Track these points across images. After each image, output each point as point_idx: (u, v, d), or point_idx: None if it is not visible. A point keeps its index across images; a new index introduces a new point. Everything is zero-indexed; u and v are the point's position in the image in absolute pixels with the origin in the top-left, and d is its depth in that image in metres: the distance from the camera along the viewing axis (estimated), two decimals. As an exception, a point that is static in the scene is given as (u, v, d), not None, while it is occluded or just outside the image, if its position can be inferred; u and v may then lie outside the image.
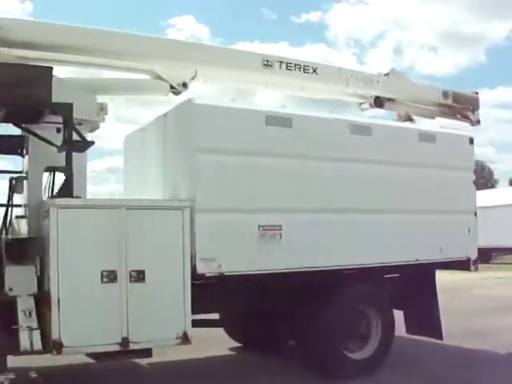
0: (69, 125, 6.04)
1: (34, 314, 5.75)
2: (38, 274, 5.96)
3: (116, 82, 7.52)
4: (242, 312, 7.84)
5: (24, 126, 6.58)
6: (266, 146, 6.82)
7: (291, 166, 6.96)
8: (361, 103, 9.21)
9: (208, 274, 6.35)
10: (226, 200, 6.52)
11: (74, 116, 6.80)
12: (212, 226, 6.41)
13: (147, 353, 6.17)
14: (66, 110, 5.99)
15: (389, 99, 9.05)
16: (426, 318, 8.13)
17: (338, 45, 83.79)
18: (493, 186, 50.86)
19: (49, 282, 5.72)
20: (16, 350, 5.62)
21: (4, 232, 6.63)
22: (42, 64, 6.77)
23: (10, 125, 6.84)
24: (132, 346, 5.96)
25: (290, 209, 6.89)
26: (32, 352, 5.64)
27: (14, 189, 6.70)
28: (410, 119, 9.35)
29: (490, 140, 79.22)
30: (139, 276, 6.01)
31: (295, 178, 6.97)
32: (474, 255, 8.44)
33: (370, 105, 9.03)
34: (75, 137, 6.20)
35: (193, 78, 7.63)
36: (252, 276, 6.60)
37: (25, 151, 6.92)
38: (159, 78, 7.45)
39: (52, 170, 6.66)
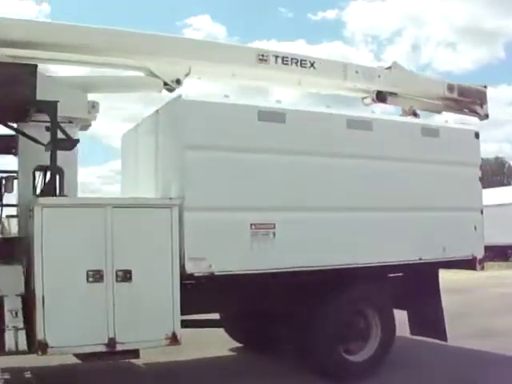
0: (53, 123, 5.94)
1: (20, 313, 5.68)
2: (26, 274, 5.90)
3: (107, 79, 7.45)
4: (237, 313, 7.70)
5: (11, 124, 6.51)
6: (259, 141, 6.65)
7: (285, 162, 6.78)
8: (363, 98, 9.00)
9: (197, 274, 6.22)
10: (217, 198, 6.37)
11: (65, 114, 6.80)
12: (202, 224, 6.26)
13: (135, 354, 6.07)
14: (50, 107, 5.90)
15: (391, 93, 8.81)
16: (429, 319, 7.88)
17: (355, 42, 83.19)
18: (509, 184, 49.84)
19: (34, 282, 5.65)
20: (1, 350, 5.56)
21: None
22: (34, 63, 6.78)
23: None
24: (119, 347, 5.86)
25: (283, 207, 6.72)
26: (17, 352, 5.58)
27: (3, 188, 6.64)
28: (414, 114, 9.09)
29: (508, 136, 77.82)
30: (126, 276, 5.90)
31: (289, 174, 6.79)
32: (480, 254, 8.15)
33: (373, 99, 8.81)
34: (64, 135, 6.12)
35: (187, 75, 7.53)
36: (244, 276, 6.44)
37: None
38: (152, 74, 7.37)
39: (41, 169, 6.60)
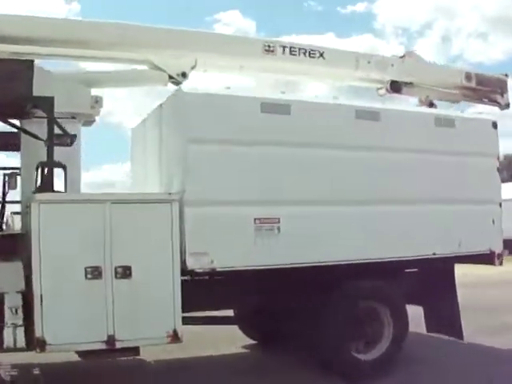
0: (50, 118, 5.87)
1: (20, 311, 5.65)
2: (26, 271, 5.86)
3: (111, 74, 7.38)
4: (242, 309, 7.56)
5: (11, 121, 6.47)
6: (262, 134, 6.47)
7: (290, 154, 6.60)
8: (378, 89, 8.73)
9: (198, 270, 6.10)
10: (219, 192, 6.22)
11: (68, 110, 6.79)
12: (203, 219, 6.13)
13: (135, 351, 5.97)
14: (46, 103, 5.83)
15: (407, 83, 8.52)
16: (444, 316, 7.60)
17: (385, 35, 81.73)
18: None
19: (32, 279, 5.60)
20: (0, 348, 5.55)
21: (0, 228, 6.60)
22: (35, 58, 6.75)
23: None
24: (119, 345, 5.78)
25: (289, 201, 6.54)
26: (15, 349, 5.56)
27: (7, 185, 6.63)
28: (431, 104, 8.78)
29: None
30: (125, 272, 5.80)
31: (295, 167, 6.61)
32: (498, 248, 7.82)
33: (387, 90, 8.53)
34: (61, 131, 6.06)
35: (193, 68, 7.40)
36: (247, 272, 6.28)
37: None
38: (157, 68, 7.26)
39: (44, 165, 6.56)
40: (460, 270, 7.93)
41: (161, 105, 6.94)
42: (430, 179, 7.33)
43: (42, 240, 5.58)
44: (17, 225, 6.72)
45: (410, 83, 8.53)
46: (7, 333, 5.51)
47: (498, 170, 7.99)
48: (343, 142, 6.89)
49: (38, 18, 6.88)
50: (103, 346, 5.74)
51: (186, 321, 6.62)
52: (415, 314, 7.76)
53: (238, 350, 8.62)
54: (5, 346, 5.49)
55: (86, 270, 5.69)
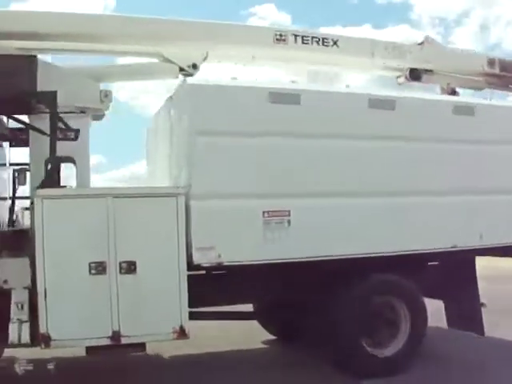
0: (53, 113, 5.84)
1: (26, 306, 5.66)
2: (32, 267, 5.84)
3: (120, 67, 7.33)
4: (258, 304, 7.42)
5: (17, 116, 6.47)
6: (271, 125, 6.29)
7: (300, 145, 6.40)
8: (397, 77, 8.45)
9: (205, 264, 5.98)
10: (226, 185, 6.08)
11: (77, 104, 6.78)
12: (210, 212, 6.01)
13: (141, 347, 5.91)
14: (48, 98, 5.79)
15: (427, 71, 8.22)
16: (465, 310, 7.28)
17: (422, 25, 79.85)
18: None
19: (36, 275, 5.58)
20: (5, 343, 5.55)
21: (11, 224, 6.62)
22: (43, 54, 6.75)
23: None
24: (124, 341, 5.72)
25: (299, 193, 6.34)
26: (20, 345, 5.56)
27: (17, 181, 6.63)
28: (453, 92, 8.46)
29: None
30: (130, 267, 5.73)
31: (305, 159, 6.41)
32: (523, 240, 7.46)
33: (406, 78, 8.26)
34: (64, 126, 6.02)
35: (205, 59, 7.29)
36: (256, 266, 6.13)
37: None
38: (167, 60, 7.17)
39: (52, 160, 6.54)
40: (480, 262, 7.60)
41: (171, 97, 6.84)
42: (449, 169, 7.03)
43: (46, 235, 5.56)
44: (26, 221, 6.72)
45: (430, 71, 8.24)
46: (12, 328, 5.51)
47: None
48: (356, 132, 6.64)
49: (46, 13, 6.86)
50: (108, 342, 5.69)
51: (204, 316, 6.69)
52: (437, 309, 7.53)
53: (258, 345, 8.48)
54: (9, 341, 5.48)
55: (90, 266, 5.64)
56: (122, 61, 7.59)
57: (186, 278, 5.88)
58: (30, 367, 6.86)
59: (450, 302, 7.48)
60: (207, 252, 5.94)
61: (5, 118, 6.90)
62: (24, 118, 6.65)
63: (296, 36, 7.36)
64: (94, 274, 5.65)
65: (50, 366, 6.93)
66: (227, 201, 6.06)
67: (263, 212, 6.17)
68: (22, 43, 6.57)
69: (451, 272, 7.31)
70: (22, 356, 6.56)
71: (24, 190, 6.95)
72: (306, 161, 6.42)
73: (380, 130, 6.76)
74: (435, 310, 7.46)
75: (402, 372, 6.63)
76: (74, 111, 6.73)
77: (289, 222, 6.26)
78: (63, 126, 6.08)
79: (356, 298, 6.53)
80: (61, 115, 6.53)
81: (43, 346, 5.55)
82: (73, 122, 6.66)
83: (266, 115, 6.28)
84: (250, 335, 8.46)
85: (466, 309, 7.27)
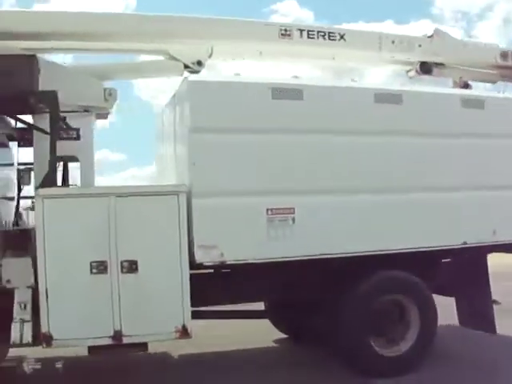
0: (53, 113, 5.82)
1: (29, 306, 5.65)
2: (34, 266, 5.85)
3: (124, 65, 7.30)
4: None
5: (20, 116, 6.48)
6: (274, 121, 6.19)
7: (304, 142, 6.29)
8: (408, 71, 8.29)
9: (207, 263, 5.91)
10: (228, 182, 6.00)
11: (80, 103, 6.78)
12: (212, 210, 5.94)
13: (143, 347, 5.87)
14: (48, 97, 5.78)
15: (438, 64, 8.04)
16: (476, 308, 7.10)
17: (444, 19, 78.73)
18: None
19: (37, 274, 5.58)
20: (8, 342, 5.55)
21: (15, 223, 6.64)
22: (49, 53, 6.76)
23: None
24: (126, 340, 5.70)
25: (304, 190, 6.23)
26: (21, 344, 5.55)
27: (21, 181, 6.65)
28: (466, 85, 8.25)
29: None
30: (131, 266, 5.70)
31: (309, 155, 6.30)
32: (537, 236, 7.24)
33: (416, 71, 8.08)
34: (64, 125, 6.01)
35: (210, 55, 7.22)
36: (259, 265, 6.04)
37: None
38: (172, 57, 7.12)
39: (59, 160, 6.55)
40: (490, 259, 7.41)
41: (174, 95, 6.79)
42: (459, 164, 6.88)
43: (47, 235, 5.56)
44: (31, 220, 6.74)
45: (441, 64, 8.04)
46: (14, 328, 5.50)
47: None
48: (362, 127, 6.51)
49: (50, 12, 6.87)
50: (110, 342, 5.67)
51: (214, 315, 6.72)
52: (449, 306, 7.38)
53: (265, 344, 8.37)
54: (11, 340, 5.48)
55: (91, 265, 5.62)
56: (127, 59, 7.54)
57: (188, 277, 5.83)
58: (38, 366, 7.03)
59: (461, 300, 7.31)
60: (210, 250, 5.87)
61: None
62: (28, 117, 6.66)
63: (301, 31, 7.23)
64: (95, 274, 5.63)
65: (58, 365, 7.11)
66: (230, 198, 5.98)
67: (267, 209, 6.09)
68: (29, 43, 6.57)
69: (462, 269, 7.16)
70: (30, 355, 6.70)
71: (29, 189, 6.98)
72: (311, 157, 6.31)
73: (387, 125, 6.62)
74: (447, 308, 7.30)
75: (412, 372, 6.48)
76: (77, 110, 6.73)
77: (293, 219, 6.17)
78: (63, 126, 6.02)
79: (362, 296, 6.42)
80: (64, 114, 6.58)
81: (45, 345, 5.54)
82: (77, 121, 6.68)
83: (268, 111, 6.19)
84: (257, 334, 8.35)
85: (478, 306, 7.09)
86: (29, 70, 5.75)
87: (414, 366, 6.57)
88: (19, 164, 7.33)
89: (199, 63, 7.12)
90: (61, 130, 6.00)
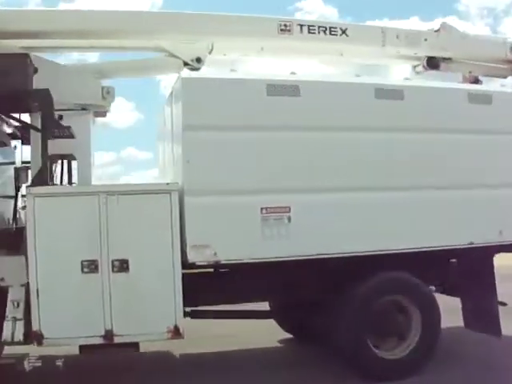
0: (44, 111, 5.80)
1: (22, 304, 5.65)
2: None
3: (122, 63, 7.25)
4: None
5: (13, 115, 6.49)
6: (269, 118, 6.07)
7: (300, 139, 6.15)
8: (415, 66, 8.07)
9: (200, 263, 5.83)
10: (221, 181, 5.91)
11: (78, 101, 6.76)
12: (205, 209, 5.85)
13: (134, 347, 5.83)
14: (40, 95, 5.76)
15: (445, 59, 7.81)
16: (481, 310, 6.86)
17: (470, 16, 77.31)
18: None
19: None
20: None
21: (13, 222, 6.65)
22: (46, 52, 6.76)
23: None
24: (117, 340, 5.66)
25: (300, 188, 6.11)
26: (12, 343, 5.54)
27: (18, 179, 6.66)
28: (476, 80, 8.00)
29: None
30: (122, 266, 5.65)
31: (306, 152, 6.16)
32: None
33: (424, 67, 7.86)
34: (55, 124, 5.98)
35: (210, 52, 7.13)
36: (254, 264, 5.93)
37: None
38: (171, 54, 7.05)
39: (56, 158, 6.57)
40: (497, 260, 7.17)
41: (171, 92, 6.72)
42: (465, 162, 6.67)
43: (38, 233, 5.55)
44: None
45: (449, 59, 7.81)
46: (6, 326, 5.52)
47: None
48: (361, 124, 6.35)
49: (49, 11, 6.87)
50: (101, 341, 5.64)
51: (218, 315, 6.64)
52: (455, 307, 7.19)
53: (271, 344, 8.27)
54: (3, 339, 5.49)
55: (82, 264, 5.60)
56: (125, 56, 7.49)
57: (180, 276, 5.75)
58: (38, 364, 7.04)
59: (466, 302, 7.07)
60: (202, 250, 5.79)
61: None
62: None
63: (301, 26, 7.08)
64: (86, 273, 5.60)
65: (58, 363, 7.11)
66: (223, 197, 5.89)
67: (261, 208, 5.97)
68: (28, 42, 6.58)
69: (468, 270, 6.92)
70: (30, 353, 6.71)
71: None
72: (308, 155, 6.18)
73: (388, 122, 6.46)
74: (452, 309, 7.10)
75: (414, 375, 6.31)
76: (74, 108, 6.71)
77: (289, 218, 6.04)
78: (57, 124, 6.01)
79: (360, 297, 6.26)
80: (61, 112, 6.58)
81: (36, 344, 5.54)
82: (73, 119, 6.67)
83: (263, 108, 6.07)
84: (259, 334, 8.24)
85: (483, 308, 6.84)
86: (22, 68, 5.73)
87: (416, 369, 6.38)
88: (23, 162, 7.37)
89: (198, 60, 7.02)
90: (54, 128, 5.95)
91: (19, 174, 6.66)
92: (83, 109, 6.80)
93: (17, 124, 7.08)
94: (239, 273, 6.18)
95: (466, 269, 6.96)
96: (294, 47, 7.34)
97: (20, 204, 6.80)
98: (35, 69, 6.25)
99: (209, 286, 6.22)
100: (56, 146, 6.46)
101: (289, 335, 8.42)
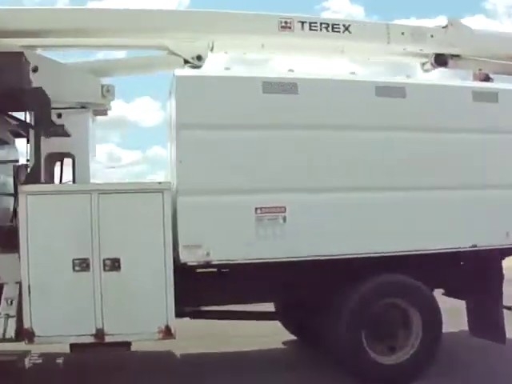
0: (36, 110, 5.81)
1: (15, 301, 5.67)
2: None
3: (122, 61, 7.26)
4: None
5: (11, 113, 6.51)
6: (264, 116, 5.98)
7: (298, 137, 6.04)
8: (423, 64, 7.88)
9: (192, 263, 5.77)
10: (215, 180, 5.84)
11: (77, 100, 6.77)
12: (198, 209, 5.79)
13: (126, 346, 5.80)
14: (34, 94, 5.76)
15: (454, 56, 7.61)
16: (486, 316, 6.65)
17: (497, 15, 75.74)
18: None
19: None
20: None
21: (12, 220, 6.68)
22: (47, 50, 6.78)
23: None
24: (108, 339, 5.64)
25: (296, 188, 6.00)
26: (4, 340, 5.56)
27: (17, 177, 6.69)
28: (487, 78, 7.77)
29: None
30: (114, 264, 5.63)
31: (303, 151, 6.05)
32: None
33: (432, 64, 7.68)
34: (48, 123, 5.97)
35: (211, 50, 7.09)
36: (248, 265, 5.86)
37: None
38: (171, 52, 7.02)
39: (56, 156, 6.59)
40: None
41: (170, 91, 6.68)
42: (469, 161, 6.48)
43: (30, 231, 5.55)
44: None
45: (458, 55, 7.61)
46: None
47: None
48: (361, 122, 6.21)
49: (48, 9, 6.91)
50: (92, 340, 5.62)
51: (222, 315, 6.65)
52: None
53: (276, 345, 8.19)
54: None
55: (73, 262, 5.59)
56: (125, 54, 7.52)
57: (172, 276, 5.70)
58: (39, 361, 7.11)
59: (470, 306, 6.88)
60: (195, 250, 5.74)
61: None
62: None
63: (303, 23, 6.98)
64: (77, 271, 5.59)
65: (59, 361, 7.18)
66: (217, 197, 5.82)
67: (256, 208, 5.89)
68: (28, 40, 6.61)
69: (472, 273, 6.72)
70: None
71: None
72: (305, 154, 6.07)
73: (389, 120, 6.30)
74: (455, 311, 6.93)
75: (413, 381, 6.15)
76: (73, 107, 6.72)
77: (284, 218, 5.95)
78: (52, 123, 6.02)
79: (358, 300, 6.11)
80: (60, 111, 6.59)
81: (27, 341, 5.55)
82: (72, 118, 6.68)
83: (259, 106, 5.99)
84: (263, 335, 8.13)
85: (487, 314, 6.63)
86: (16, 67, 5.74)
87: (416, 374, 6.22)
88: (27, 160, 7.40)
89: (199, 58, 6.99)
90: (47, 126, 5.95)
91: (18, 171, 6.68)
92: (82, 107, 6.79)
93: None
94: (237, 273, 6.10)
95: (470, 272, 6.75)
96: (295, 44, 7.24)
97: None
98: (35, 67, 6.28)
99: (210, 286, 6.15)
100: (55, 144, 6.50)
101: (293, 337, 8.32)
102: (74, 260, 5.57)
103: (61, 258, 5.58)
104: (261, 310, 7.15)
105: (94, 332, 5.59)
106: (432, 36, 7.41)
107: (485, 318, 6.67)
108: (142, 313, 5.67)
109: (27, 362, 6.83)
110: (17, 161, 7.45)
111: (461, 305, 7.06)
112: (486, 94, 6.61)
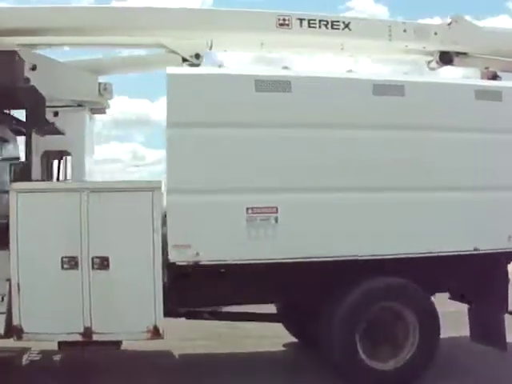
0: (28, 108, 5.82)
1: (6, 298, 5.69)
2: None
3: (120, 59, 7.26)
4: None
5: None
6: (257, 115, 5.89)
7: (291, 136, 5.93)
8: (428, 62, 7.70)
9: (181, 263, 5.70)
10: (205, 179, 5.77)
11: (74, 98, 6.79)
12: (187, 208, 5.73)
13: (115, 345, 5.79)
14: (26, 93, 5.78)
15: (459, 53, 7.41)
16: (486, 322, 6.45)
17: (522, 15, 74.06)
18: None
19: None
20: None
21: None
22: (45, 49, 6.81)
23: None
24: (96, 337, 5.64)
25: (288, 187, 5.89)
26: (-7, 336, 5.60)
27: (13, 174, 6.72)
28: (494, 76, 7.54)
29: None
30: (102, 263, 5.62)
31: (296, 150, 5.94)
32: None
33: (437, 62, 7.49)
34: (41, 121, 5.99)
35: (210, 48, 7.04)
36: (238, 266, 5.77)
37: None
38: (169, 50, 6.99)
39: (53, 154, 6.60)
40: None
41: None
42: (471, 162, 6.28)
43: (20, 228, 5.58)
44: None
45: (463, 53, 7.41)
46: None
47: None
48: (357, 121, 6.07)
49: (46, 8, 6.90)
50: (80, 338, 5.62)
51: (224, 316, 6.62)
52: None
53: (277, 348, 8.07)
54: None
55: (62, 260, 5.60)
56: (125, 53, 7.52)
57: (161, 276, 5.67)
58: (38, 358, 7.15)
59: (471, 311, 6.68)
60: (184, 250, 5.68)
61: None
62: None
63: (301, 20, 6.87)
64: (66, 269, 5.60)
65: (56, 358, 7.20)
66: (207, 196, 5.75)
67: (247, 208, 5.80)
68: (26, 39, 6.65)
69: (474, 278, 6.51)
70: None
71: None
72: (298, 153, 5.95)
73: (387, 119, 6.15)
74: (454, 316, 6.76)
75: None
76: (70, 105, 6.74)
77: (276, 219, 5.85)
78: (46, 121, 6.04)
79: (351, 303, 5.97)
80: (57, 109, 6.62)
81: (15, 338, 5.57)
82: (68, 116, 6.71)
83: (250, 104, 5.90)
84: (265, 338, 8.10)
85: (488, 320, 6.42)
86: (9, 65, 5.77)
87: (413, 380, 6.08)
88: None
89: (197, 56, 6.94)
90: (39, 124, 5.96)
91: (15, 169, 6.71)
92: (79, 105, 6.80)
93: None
94: (230, 274, 6.01)
95: (474, 276, 6.54)
96: (293, 41, 7.14)
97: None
98: (34, 66, 6.31)
99: (203, 287, 6.04)
100: (52, 142, 6.52)
101: (295, 339, 8.21)
102: (62, 258, 5.58)
103: (50, 256, 5.59)
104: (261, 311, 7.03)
105: (81, 330, 5.59)
106: (436, 33, 7.22)
107: (486, 324, 6.46)
108: (130, 312, 5.65)
109: (24, 360, 6.93)
110: (17, 158, 7.50)
111: (463, 309, 6.88)
112: (489, 93, 6.41)
